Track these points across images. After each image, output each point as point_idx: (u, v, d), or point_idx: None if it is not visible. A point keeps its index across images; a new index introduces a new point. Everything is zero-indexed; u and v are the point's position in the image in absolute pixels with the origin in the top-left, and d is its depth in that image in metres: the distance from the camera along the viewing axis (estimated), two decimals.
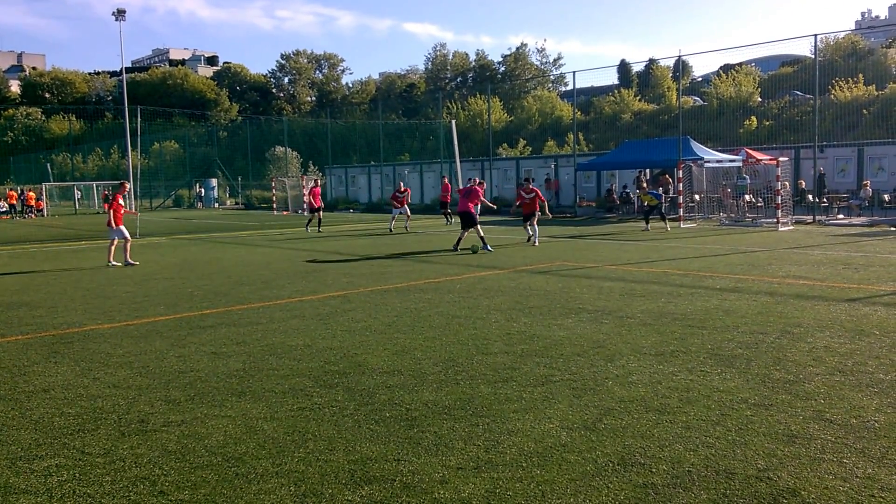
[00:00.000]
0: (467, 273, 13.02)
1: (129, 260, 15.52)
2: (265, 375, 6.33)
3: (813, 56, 31.11)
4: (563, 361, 6.58)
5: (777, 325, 7.98)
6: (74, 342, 7.89)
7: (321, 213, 25.97)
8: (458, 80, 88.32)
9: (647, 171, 32.98)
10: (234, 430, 4.97)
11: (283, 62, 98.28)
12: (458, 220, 17.72)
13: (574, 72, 42.27)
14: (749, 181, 27.62)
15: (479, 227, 17.06)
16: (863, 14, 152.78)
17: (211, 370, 6.55)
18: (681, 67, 45.55)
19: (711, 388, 5.69)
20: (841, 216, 26.23)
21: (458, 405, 5.39)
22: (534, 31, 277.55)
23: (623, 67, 62.92)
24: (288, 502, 3.87)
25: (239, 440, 4.78)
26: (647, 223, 22.96)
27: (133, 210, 15.93)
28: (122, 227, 15.75)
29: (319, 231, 24.89)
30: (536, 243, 18.06)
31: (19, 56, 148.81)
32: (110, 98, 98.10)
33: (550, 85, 76.32)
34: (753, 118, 44.72)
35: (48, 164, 66.96)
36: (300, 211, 41.54)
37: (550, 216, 19.27)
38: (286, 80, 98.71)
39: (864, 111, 40.13)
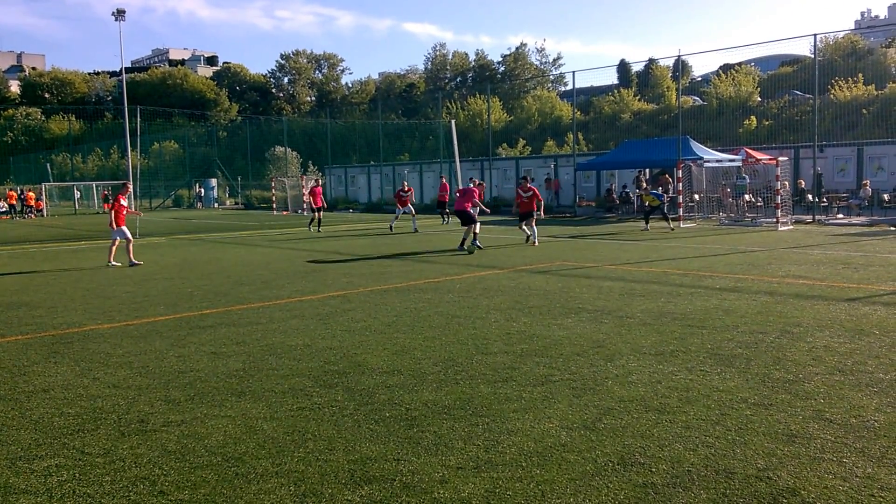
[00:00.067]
0: (467, 273, 13.03)
1: (133, 260, 15.51)
2: (265, 375, 6.33)
3: (812, 56, 31.13)
4: (562, 361, 6.58)
5: (777, 324, 7.98)
6: (74, 342, 7.89)
7: (321, 213, 25.95)
8: (458, 79, 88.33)
9: (647, 170, 33.00)
10: (234, 430, 4.97)
11: (283, 62, 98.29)
12: (456, 221, 17.78)
13: (574, 71, 42.36)
14: (748, 181, 27.62)
15: (476, 225, 17.11)
16: (862, 14, 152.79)
17: (211, 370, 6.55)
18: (680, 67, 45.58)
19: (711, 387, 5.70)
20: (840, 216, 26.24)
21: (457, 405, 5.40)
22: (533, 31, 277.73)
23: (623, 67, 62.94)
24: (288, 502, 3.87)
25: (239, 440, 4.78)
26: (647, 223, 22.98)
27: (136, 210, 15.91)
28: (124, 228, 15.74)
29: (319, 231, 24.88)
30: (536, 243, 18.06)
31: (19, 56, 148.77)
32: (110, 98, 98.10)
33: (550, 85, 76.36)
34: (753, 118, 44.73)
35: (48, 165, 66.95)
36: (300, 211, 41.54)
37: (543, 216, 19.26)
38: (286, 80, 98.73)
39: (864, 111, 40.14)
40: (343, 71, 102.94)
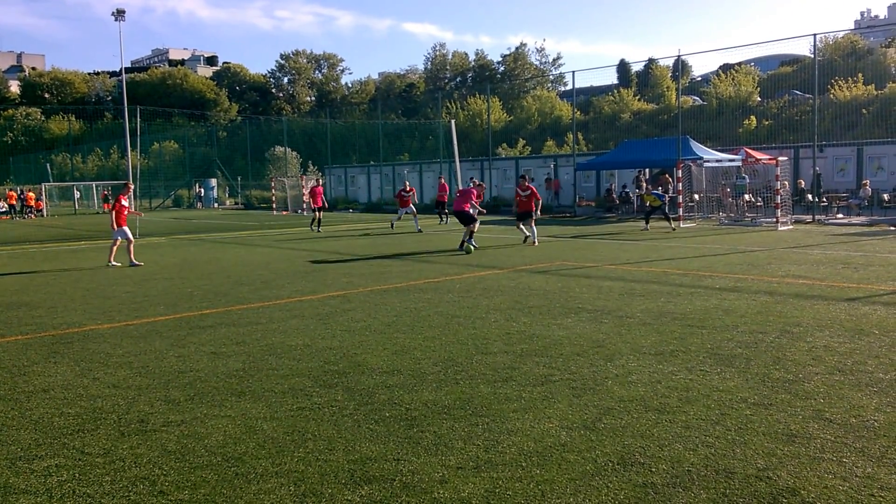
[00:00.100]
0: (467, 273, 13.03)
1: (134, 260, 15.50)
2: (265, 375, 6.33)
3: (812, 55, 31.13)
4: (562, 361, 6.58)
5: (776, 324, 7.98)
6: (74, 342, 7.89)
7: (321, 213, 25.92)
8: (458, 79, 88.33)
9: (647, 170, 33.00)
10: (234, 430, 4.97)
11: (283, 62, 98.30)
12: (454, 221, 17.81)
13: (573, 71, 42.41)
14: (748, 181, 27.62)
15: (474, 224, 17.12)
16: (862, 14, 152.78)
17: (210, 370, 6.55)
18: (680, 67, 45.58)
19: (711, 387, 5.70)
20: (840, 215, 26.24)
21: (457, 405, 5.40)
22: (533, 31, 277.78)
23: (622, 67, 62.95)
24: (288, 502, 3.87)
25: (238, 440, 4.78)
26: (648, 223, 22.98)
27: (136, 211, 15.90)
28: (126, 228, 15.72)
29: (319, 231, 24.86)
30: (536, 243, 18.07)
31: (19, 56, 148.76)
32: (110, 98, 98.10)
33: (550, 85, 76.36)
34: (753, 118, 44.75)
35: (48, 165, 66.97)
36: (300, 211, 41.54)
37: (538, 215, 19.28)
38: (286, 80, 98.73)
39: (864, 111, 40.16)
40: (343, 71, 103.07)
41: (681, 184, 25.39)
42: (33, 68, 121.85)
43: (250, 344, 7.57)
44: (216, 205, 57.13)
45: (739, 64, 51.28)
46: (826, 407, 5.18)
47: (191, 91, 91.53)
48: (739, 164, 27.64)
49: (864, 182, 28.27)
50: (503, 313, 8.97)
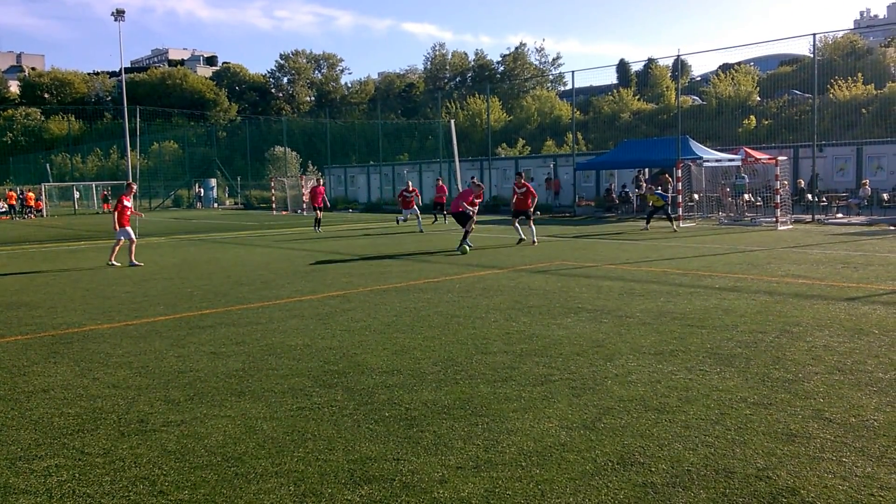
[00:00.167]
0: (466, 273, 13.03)
1: (134, 261, 15.49)
2: (264, 375, 6.33)
3: (812, 55, 31.14)
4: (562, 361, 6.58)
5: (776, 324, 7.98)
6: (74, 342, 7.89)
7: (321, 213, 25.86)
8: (457, 79, 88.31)
9: (647, 170, 33.00)
10: (234, 430, 4.97)
11: (282, 62, 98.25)
12: (450, 221, 17.81)
13: (573, 71, 42.37)
14: (747, 180, 27.63)
15: (469, 224, 17.11)
16: (861, 13, 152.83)
17: (210, 370, 6.55)
18: (679, 67, 45.60)
19: (711, 387, 5.70)
20: (840, 215, 26.25)
21: (457, 405, 5.40)
22: (532, 31, 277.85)
23: (622, 67, 62.95)
24: (287, 502, 3.87)
25: (238, 440, 4.78)
26: (648, 223, 22.97)
27: (136, 211, 15.88)
28: (128, 228, 15.70)
29: (319, 231, 24.83)
30: (536, 242, 18.09)
31: (18, 56, 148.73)
32: (109, 98, 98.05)
33: (549, 84, 76.32)
34: (752, 117, 44.75)
35: (47, 165, 66.95)
36: (299, 211, 41.53)
37: (538, 215, 19.31)
38: (285, 80, 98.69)
39: (863, 110, 40.16)
40: (342, 71, 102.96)
41: (680, 183, 25.39)
42: (33, 68, 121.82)
43: (250, 344, 7.57)
44: (216, 205, 57.13)
45: (739, 63, 51.29)
46: (826, 406, 5.18)
47: (190, 91, 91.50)
48: (739, 163, 27.64)
49: (864, 182, 28.28)
50: (503, 313, 8.97)
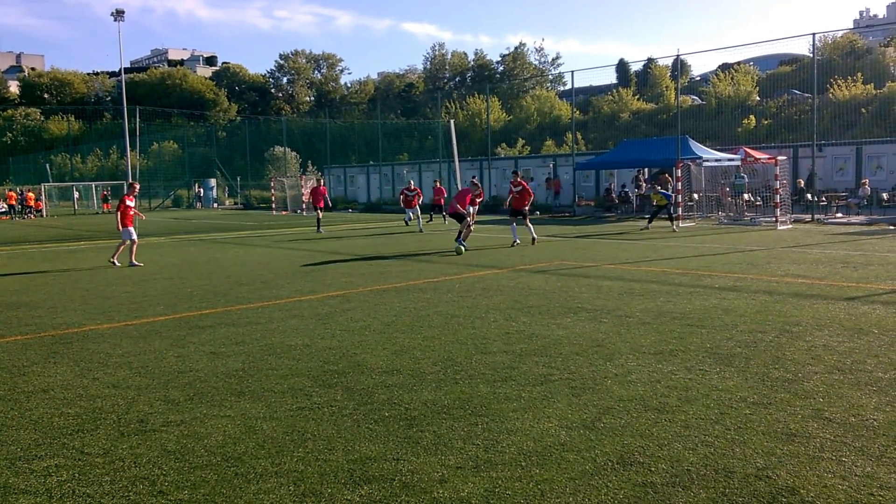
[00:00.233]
0: (466, 273, 13.03)
1: (134, 261, 15.48)
2: (264, 375, 6.33)
3: (811, 55, 31.16)
4: (561, 360, 6.58)
5: (776, 323, 7.98)
6: (74, 342, 7.89)
7: (321, 213, 25.80)
8: (457, 79, 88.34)
9: (646, 170, 33.00)
10: (234, 430, 4.97)
11: (282, 62, 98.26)
12: (450, 222, 17.80)
13: (572, 71, 42.45)
14: (747, 180, 27.64)
15: (465, 223, 17.12)
16: (861, 13, 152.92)
17: (210, 370, 6.55)
18: (679, 66, 45.58)
19: (710, 386, 5.70)
20: (839, 215, 26.25)
21: (457, 404, 5.40)
22: (532, 31, 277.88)
23: (621, 67, 62.96)
24: (287, 502, 3.87)
25: (238, 440, 4.78)
26: (651, 222, 22.95)
27: (136, 211, 15.85)
28: (131, 229, 15.67)
29: (319, 231, 24.79)
30: (535, 239, 18.11)
31: (18, 56, 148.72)
32: (109, 98, 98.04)
33: (549, 84, 76.36)
34: (752, 117, 44.76)
35: (47, 165, 66.92)
36: (299, 211, 41.52)
37: (537, 214, 19.33)
38: (285, 80, 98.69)
39: (863, 110, 40.18)
40: (342, 71, 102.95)
41: (680, 183, 25.40)
42: (32, 68, 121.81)
43: (250, 344, 7.57)
44: (215, 205, 57.12)
45: (738, 63, 51.30)
46: (825, 406, 5.18)
47: (190, 91, 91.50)
48: (738, 163, 27.64)
49: (864, 181, 28.28)
50: (502, 313, 8.97)
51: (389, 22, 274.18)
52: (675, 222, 22.71)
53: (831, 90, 41.98)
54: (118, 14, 45.97)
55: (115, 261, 15.43)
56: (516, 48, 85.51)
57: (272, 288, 11.64)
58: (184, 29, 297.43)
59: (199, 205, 56.60)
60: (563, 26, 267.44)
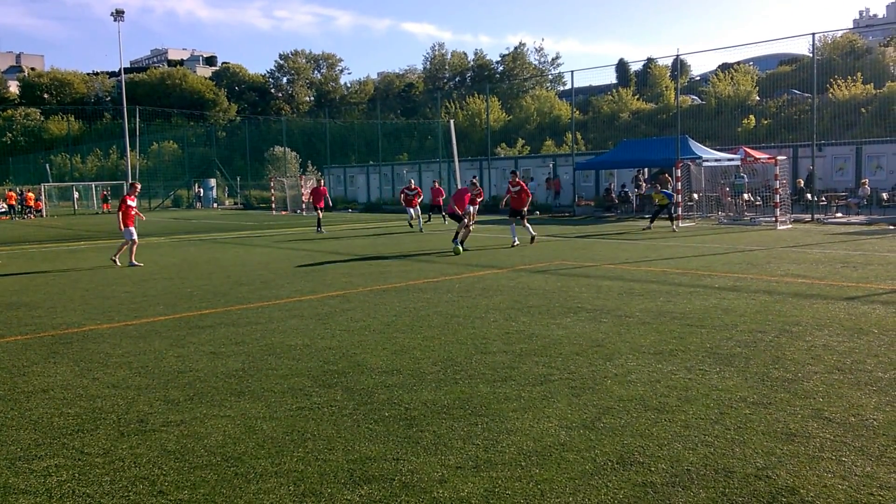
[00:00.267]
0: (466, 273, 13.03)
1: (134, 261, 15.48)
2: (264, 375, 6.34)
3: (811, 55, 31.16)
4: (561, 360, 6.58)
5: (776, 323, 7.99)
6: (73, 342, 7.89)
7: (321, 213, 25.78)
8: (457, 79, 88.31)
9: (646, 170, 32.99)
10: (234, 430, 4.97)
11: (282, 62, 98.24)
12: (450, 222, 17.78)
13: (572, 71, 42.45)
14: (747, 180, 27.63)
15: (463, 223, 17.12)
16: (861, 13, 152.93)
17: (210, 370, 6.55)
18: (679, 66, 45.57)
19: (710, 386, 5.70)
20: (839, 214, 26.25)
21: (456, 404, 5.40)
22: (532, 31, 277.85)
23: (621, 67, 62.97)
24: (287, 502, 3.87)
25: (238, 440, 4.78)
26: (652, 222, 22.94)
27: (139, 213, 15.86)
28: (132, 229, 15.67)
29: (320, 232, 24.76)
30: (535, 238, 18.12)
31: (18, 56, 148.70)
32: (109, 98, 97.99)
33: (549, 84, 76.32)
34: (752, 117, 44.74)
35: (47, 165, 66.88)
36: (299, 211, 41.52)
37: (537, 215, 19.33)
38: (285, 80, 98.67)
39: (863, 110, 40.17)
40: (342, 71, 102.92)
41: (680, 183, 25.40)
42: (32, 69, 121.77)
43: (250, 344, 7.57)
44: (215, 205, 57.12)
45: (738, 63, 51.27)
46: (825, 406, 5.18)
47: (190, 91, 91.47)
48: (738, 163, 27.64)
49: (863, 181, 28.28)
50: (502, 313, 8.97)
51: (389, 22, 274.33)
52: (674, 222, 22.72)
53: (831, 90, 41.97)
54: (118, 14, 45.98)
55: (117, 260, 15.44)
56: (516, 48, 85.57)
57: (272, 288, 11.64)
58: (184, 29, 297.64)
59: (198, 205, 56.60)
60: (563, 26, 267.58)
